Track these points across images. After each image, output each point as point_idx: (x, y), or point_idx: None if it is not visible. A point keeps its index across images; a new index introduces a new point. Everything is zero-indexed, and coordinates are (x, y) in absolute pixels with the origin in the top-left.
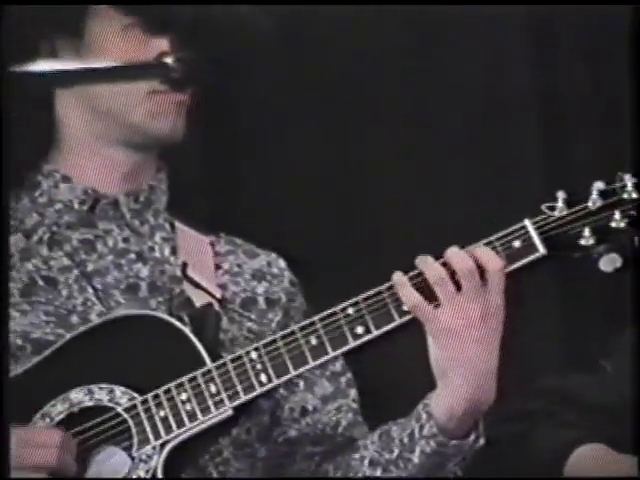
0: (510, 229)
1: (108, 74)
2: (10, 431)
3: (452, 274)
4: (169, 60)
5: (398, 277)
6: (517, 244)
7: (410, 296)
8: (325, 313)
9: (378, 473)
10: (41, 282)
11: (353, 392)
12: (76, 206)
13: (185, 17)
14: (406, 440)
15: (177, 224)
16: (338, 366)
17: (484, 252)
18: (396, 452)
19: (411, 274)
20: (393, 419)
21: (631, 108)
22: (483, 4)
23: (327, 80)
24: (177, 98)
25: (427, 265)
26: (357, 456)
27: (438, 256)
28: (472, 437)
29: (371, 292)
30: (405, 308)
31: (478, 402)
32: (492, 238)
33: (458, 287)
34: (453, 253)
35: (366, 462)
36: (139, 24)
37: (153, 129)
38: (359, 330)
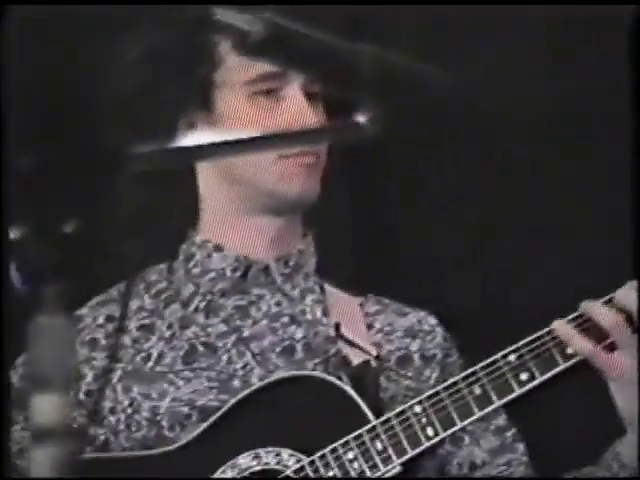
0: None
1: (292, 139)
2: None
3: (622, 314)
4: (361, 119)
5: (561, 325)
6: None
7: (581, 344)
8: (486, 362)
9: None
10: (201, 348)
11: (521, 447)
12: (229, 274)
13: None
14: None
15: (326, 286)
16: (501, 421)
17: None
18: None
19: (569, 318)
20: (565, 470)
21: (632, 109)
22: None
23: (483, 142)
24: (306, 160)
25: (598, 311)
26: None
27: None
28: None
29: (531, 337)
30: (569, 352)
31: None
32: None
33: (632, 328)
34: (626, 295)
35: None
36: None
37: (283, 192)
38: (523, 377)
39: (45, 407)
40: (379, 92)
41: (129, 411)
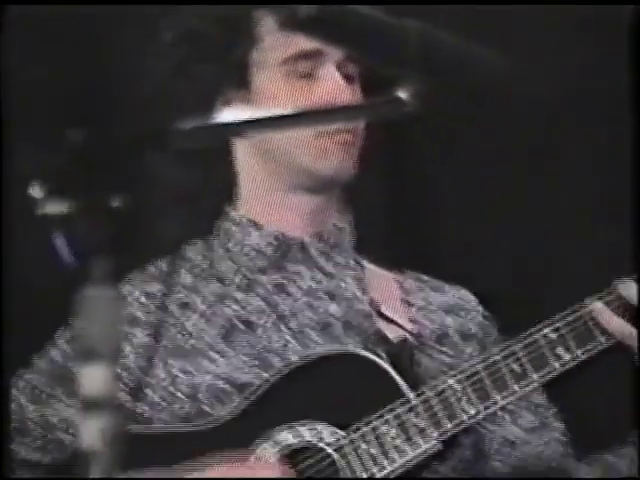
0: None
1: (341, 114)
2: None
3: None
4: (402, 95)
5: (597, 306)
6: None
7: (617, 325)
8: (525, 339)
9: None
10: (240, 325)
11: (560, 425)
12: (266, 251)
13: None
14: (625, 470)
15: (364, 263)
16: (540, 399)
17: None
18: None
19: (606, 300)
20: (600, 450)
21: (632, 109)
22: (479, 4)
23: (515, 120)
24: (343, 138)
25: (630, 289)
26: None
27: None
28: None
29: (571, 316)
30: (609, 332)
31: None
32: None
33: None
34: None
35: None
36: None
37: (320, 170)
38: (562, 354)
39: (93, 379)
40: (424, 69)
41: (169, 387)
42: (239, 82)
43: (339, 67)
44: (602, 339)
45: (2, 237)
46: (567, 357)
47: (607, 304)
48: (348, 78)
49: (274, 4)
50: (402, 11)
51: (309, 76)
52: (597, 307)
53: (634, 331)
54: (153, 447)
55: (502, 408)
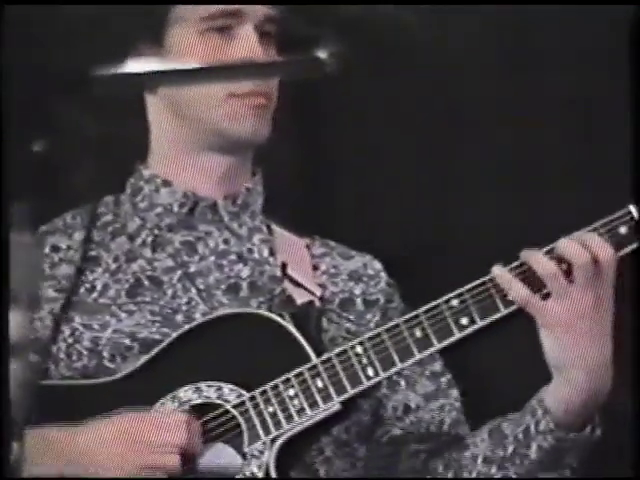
0: (616, 215)
1: (257, 70)
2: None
3: (561, 264)
4: (322, 55)
5: (500, 271)
6: (623, 230)
7: (518, 290)
8: (429, 305)
9: (493, 471)
10: (146, 282)
11: (455, 392)
12: (176, 209)
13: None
14: (521, 436)
15: (273, 226)
16: (437, 366)
17: (595, 241)
18: (511, 449)
19: (511, 266)
20: (496, 415)
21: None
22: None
23: (424, 86)
24: (256, 101)
25: (536, 259)
26: (468, 454)
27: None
28: (589, 429)
29: (475, 283)
30: (510, 298)
31: (596, 393)
32: (597, 224)
33: (569, 278)
34: (567, 245)
35: (479, 460)
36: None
37: (233, 132)
38: (464, 321)
39: (10, 324)
40: (343, 28)
41: (70, 340)
42: (154, 37)
43: (257, 28)
44: (503, 309)
45: None
46: (469, 325)
47: (511, 271)
48: (265, 38)
49: (270, 4)
50: None
51: (226, 34)
52: (497, 272)
53: (534, 298)
54: (52, 399)
55: (399, 374)
